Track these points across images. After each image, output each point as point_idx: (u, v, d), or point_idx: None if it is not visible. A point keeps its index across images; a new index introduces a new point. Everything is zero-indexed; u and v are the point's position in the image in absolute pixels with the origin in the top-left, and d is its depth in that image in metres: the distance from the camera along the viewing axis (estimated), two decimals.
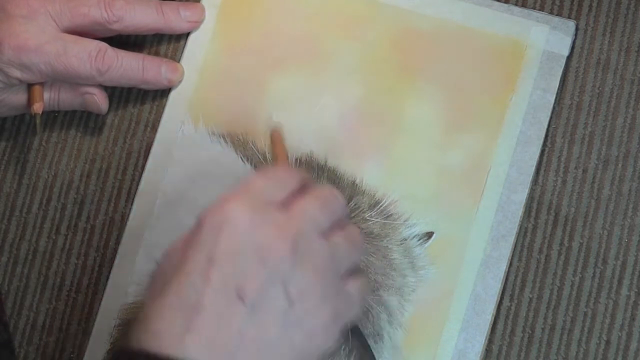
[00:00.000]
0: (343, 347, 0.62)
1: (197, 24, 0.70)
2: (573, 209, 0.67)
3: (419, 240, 0.66)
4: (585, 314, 0.66)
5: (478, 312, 0.65)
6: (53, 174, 0.70)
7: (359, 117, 0.68)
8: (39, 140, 0.70)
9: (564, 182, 0.67)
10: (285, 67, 0.69)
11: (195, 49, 0.70)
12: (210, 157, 0.68)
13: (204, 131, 0.69)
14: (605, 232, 0.66)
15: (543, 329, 0.66)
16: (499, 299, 0.65)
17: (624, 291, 0.66)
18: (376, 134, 0.68)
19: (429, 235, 0.66)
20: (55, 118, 0.70)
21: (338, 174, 0.67)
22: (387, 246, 0.65)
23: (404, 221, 0.66)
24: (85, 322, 0.69)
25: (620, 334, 0.65)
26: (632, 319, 0.65)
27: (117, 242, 0.69)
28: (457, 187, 0.66)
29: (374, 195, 0.66)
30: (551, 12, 0.68)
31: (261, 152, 0.67)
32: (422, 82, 0.68)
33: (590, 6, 0.68)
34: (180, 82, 0.70)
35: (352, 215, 0.65)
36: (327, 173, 0.66)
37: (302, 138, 0.67)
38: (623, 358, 0.65)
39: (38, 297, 0.69)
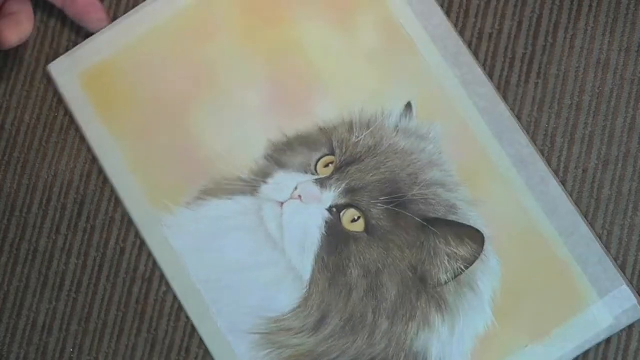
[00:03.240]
0: None
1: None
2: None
3: (406, 117, 0.66)
4: None
5: None
6: (53, 174, 0.70)
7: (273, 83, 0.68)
8: (39, 140, 0.70)
9: (564, 182, 0.67)
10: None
11: None
12: None
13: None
14: (605, 232, 0.66)
15: None
16: None
17: None
18: (295, 87, 0.68)
19: (408, 105, 0.66)
20: (55, 118, 0.70)
21: (301, 139, 0.67)
22: (390, 144, 0.66)
23: (382, 117, 0.66)
24: (86, 322, 0.69)
25: (620, 334, 0.65)
26: None
27: (117, 241, 0.69)
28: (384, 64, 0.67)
29: (343, 122, 0.66)
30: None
31: None
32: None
33: (590, 6, 0.68)
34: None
35: (345, 150, 0.65)
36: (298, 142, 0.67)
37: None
38: (623, 358, 0.65)
39: (38, 297, 0.69)
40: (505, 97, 0.68)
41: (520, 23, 0.68)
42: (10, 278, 0.70)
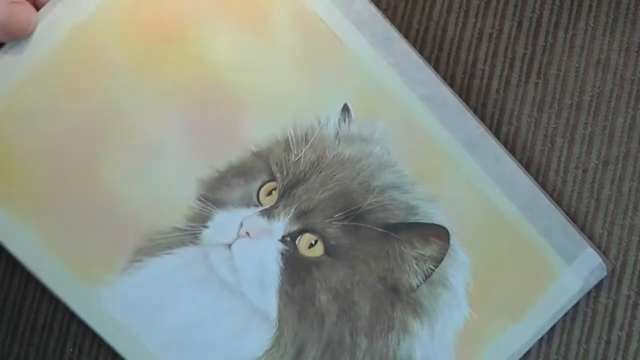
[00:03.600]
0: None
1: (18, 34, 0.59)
2: (573, 209, 0.67)
3: (345, 121, 0.62)
4: (585, 314, 0.66)
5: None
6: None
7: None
8: None
9: (564, 182, 0.67)
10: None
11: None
12: None
13: None
14: (605, 232, 0.66)
15: None
16: None
17: (624, 291, 0.66)
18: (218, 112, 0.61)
19: (344, 108, 0.62)
20: None
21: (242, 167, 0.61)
22: (334, 154, 0.61)
23: (319, 126, 0.62)
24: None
25: (620, 334, 0.65)
26: (632, 318, 0.65)
27: None
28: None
29: (278, 141, 0.61)
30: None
31: None
32: None
33: (590, 6, 0.68)
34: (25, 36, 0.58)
35: (286, 172, 0.61)
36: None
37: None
38: (623, 358, 0.65)
39: (38, 297, 0.69)
40: (505, 97, 0.67)
41: (520, 23, 0.68)
42: (10, 278, 0.70)
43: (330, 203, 0.61)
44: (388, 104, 0.62)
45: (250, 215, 0.61)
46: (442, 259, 0.62)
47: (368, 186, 0.62)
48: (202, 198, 0.61)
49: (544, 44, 0.68)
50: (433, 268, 0.62)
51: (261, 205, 0.61)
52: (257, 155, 0.62)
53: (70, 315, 0.69)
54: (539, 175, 0.67)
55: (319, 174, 0.62)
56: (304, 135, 0.62)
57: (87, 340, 0.68)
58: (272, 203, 0.61)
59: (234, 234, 0.61)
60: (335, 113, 0.62)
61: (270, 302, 0.61)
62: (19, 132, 0.60)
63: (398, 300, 0.62)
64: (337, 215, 0.61)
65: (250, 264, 0.61)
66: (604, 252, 0.66)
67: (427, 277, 0.62)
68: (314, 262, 0.61)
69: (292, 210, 0.61)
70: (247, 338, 0.62)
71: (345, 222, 0.61)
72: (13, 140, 0.60)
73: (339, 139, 0.62)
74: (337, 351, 0.62)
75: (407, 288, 0.62)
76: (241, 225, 0.61)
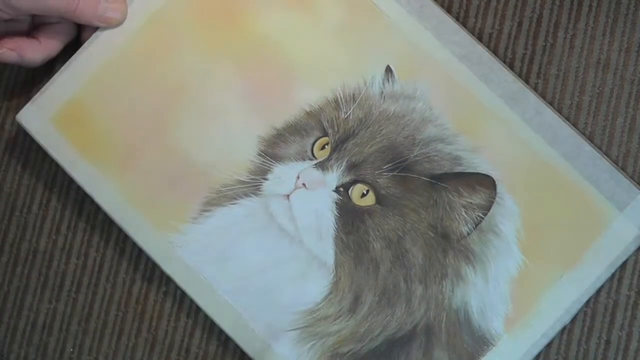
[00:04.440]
0: None
1: (114, 21, 0.67)
2: None
3: (388, 81, 0.66)
4: (585, 314, 0.66)
5: None
6: (53, 173, 0.70)
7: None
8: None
9: None
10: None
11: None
12: None
13: None
14: None
15: None
16: None
17: (624, 291, 0.66)
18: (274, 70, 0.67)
19: (387, 69, 0.66)
20: None
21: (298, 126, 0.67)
22: (380, 111, 0.66)
23: (365, 86, 0.66)
24: (85, 322, 0.69)
25: (620, 334, 0.65)
26: (632, 318, 0.65)
27: (117, 242, 0.69)
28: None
29: (328, 101, 0.66)
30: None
31: None
32: None
33: (590, 6, 0.68)
34: (120, 24, 0.67)
35: (337, 128, 0.65)
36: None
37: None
38: (623, 358, 0.65)
39: (38, 297, 0.69)
40: None
41: (520, 23, 0.68)
42: (10, 278, 0.70)
43: (379, 155, 0.65)
44: (428, 64, 0.66)
45: (306, 168, 0.65)
46: (490, 207, 0.64)
47: (413, 139, 0.65)
48: (262, 153, 0.66)
49: (544, 44, 0.68)
50: (482, 216, 0.64)
51: (315, 158, 0.66)
52: (310, 114, 0.66)
53: (70, 316, 0.69)
54: None
55: (367, 129, 0.66)
56: (351, 94, 0.66)
57: (87, 341, 0.69)
58: (326, 157, 0.66)
59: (292, 185, 0.65)
60: (380, 74, 0.66)
61: (327, 250, 0.65)
62: (109, 100, 0.67)
63: (450, 248, 0.64)
64: (386, 166, 0.65)
65: (307, 213, 0.65)
66: None
67: (476, 225, 0.64)
68: (367, 211, 0.65)
69: (344, 162, 0.65)
70: (307, 284, 0.65)
71: (394, 173, 0.65)
72: (103, 106, 0.67)
73: (384, 97, 0.66)
74: (393, 297, 0.64)
75: (457, 236, 0.64)
76: (298, 177, 0.65)
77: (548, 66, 0.68)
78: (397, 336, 0.64)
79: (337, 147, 0.65)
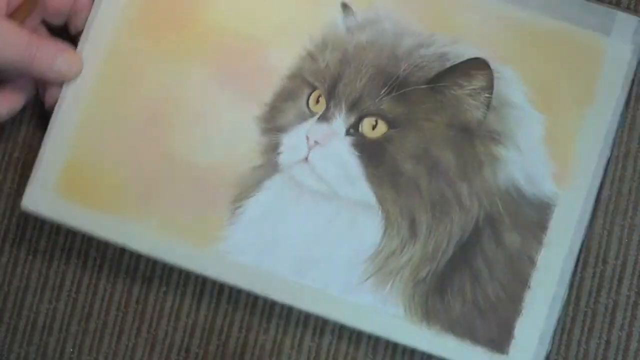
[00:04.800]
0: None
1: (69, 76, 0.67)
2: None
3: (349, 16, 0.67)
4: (585, 314, 0.66)
5: None
6: None
7: None
8: (38, 141, 0.70)
9: None
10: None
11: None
12: None
13: None
14: (605, 232, 0.66)
15: None
16: None
17: (624, 291, 0.66)
18: None
19: (344, 5, 0.67)
20: None
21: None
22: (354, 45, 0.67)
23: (330, 29, 0.67)
24: (85, 322, 0.69)
25: (620, 334, 0.65)
26: (632, 319, 0.65)
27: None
28: None
29: (302, 57, 0.67)
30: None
31: None
32: None
33: None
34: (77, 76, 0.67)
35: (323, 78, 0.66)
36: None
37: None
38: (623, 358, 0.65)
39: (38, 297, 0.69)
40: None
41: None
42: (10, 278, 0.70)
43: (371, 85, 0.66)
44: None
45: (311, 126, 0.66)
46: (492, 84, 0.65)
47: (395, 56, 0.66)
48: (264, 131, 0.66)
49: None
50: (489, 95, 0.65)
51: (315, 113, 0.66)
52: (292, 76, 0.67)
53: (70, 316, 0.69)
54: None
55: (350, 67, 0.66)
56: (321, 42, 0.67)
57: (87, 341, 0.69)
58: (324, 108, 0.66)
59: (305, 147, 0.66)
60: (338, 13, 0.67)
61: (364, 190, 0.65)
62: (101, 147, 0.67)
63: (474, 137, 0.65)
64: (382, 91, 0.65)
65: (331, 166, 0.66)
66: (603, 252, 0.66)
67: (488, 106, 0.65)
68: (384, 139, 0.65)
69: (343, 105, 0.66)
70: (361, 231, 0.65)
71: (393, 94, 0.65)
72: (99, 155, 0.67)
73: (352, 31, 0.67)
74: (445, 206, 0.65)
75: (475, 123, 0.65)
76: (307, 138, 0.66)
77: None
78: (464, 238, 0.65)
79: (330, 94, 0.66)
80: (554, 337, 0.64)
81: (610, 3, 0.67)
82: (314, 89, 0.66)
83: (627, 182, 0.67)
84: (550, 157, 0.65)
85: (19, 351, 0.69)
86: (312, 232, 0.66)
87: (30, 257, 0.70)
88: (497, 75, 0.65)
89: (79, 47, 0.67)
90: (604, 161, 0.65)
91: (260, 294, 0.65)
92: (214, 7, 0.67)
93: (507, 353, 0.64)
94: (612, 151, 0.65)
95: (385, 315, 0.64)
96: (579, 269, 0.66)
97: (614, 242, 0.66)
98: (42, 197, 0.66)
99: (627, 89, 0.65)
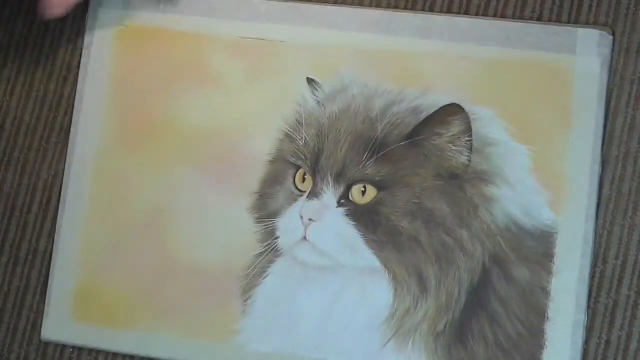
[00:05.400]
0: None
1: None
2: None
3: (317, 89, 0.68)
4: (585, 314, 0.66)
5: None
6: (53, 173, 0.70)
7: None
8: (39, 141, 0.70)
9: None
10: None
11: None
12: None
13: None
14: (605, 232, 0.66)
15: None
16: None
17: (624, 291, 0.66)
18: None
19: (309, 80, 0.68)
20: (55, 118, 0.70)
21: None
22: (328, 117, 0.67)
23: (302, 107, 0.68)
24: None
25: (620, 334, 0.65)
26: (632, 319, 0.65)
27: None
28: None
29: (281, 139, 0.68)
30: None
31: None
32: None
33: (591, 6, 0.68)
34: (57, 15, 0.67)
35: (304, 156, 0.67)
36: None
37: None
38: (623, 358, 0.65)
39: (38, 297, 0.69)
40: None
41: None
42: (10, 278, 0.70)
43: (352, 152, 0.66)
44: (338, 55, 0.68)
45: (302, 205, 0.66)
46: (470, 127, 0.65)
47: (370, 119, 0.66)
48: (259, 220, 0.67)
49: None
50: (469, 138, 0.65)
51: (304, 192, 0.66)
52: (274, 161, 0.67)
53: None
54: None
55: (328, 139, 0.66)
56: (295, 122, 0.67)
57: None
58: (311, 184, 0.66)
59: (301, 227, 0.66)
60: (306, 90, 0.68)
61: (367, 256, 0.65)
62: (108, 267, 0.68)
63: (464, 182, 0.65)
64: (364, 157, 0.66)
65: (330, 239, 0.66)
66: (603, 252, 0.66)
67: (470, 149, 0.65)
68: (376, 203, 0.65)
69: (329, 178, 0.66)
70: (372, 296, 0.66)
71: (375, 157, 0.66)
72: (106, 274, 0.68)
73: (322, 104, 0.67)
74: (449, 256, 0.65)
75: (462, 168, 0.65)
76: (301, 217, 0.66)
77: None
78: (475, 283, 0.65)
79: (314, 170, 0.66)
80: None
81: (569, 22, 0.67)
82: (297, 168, 0.66)
83: (627, 182, 0.67)
84: (542, 186, 0.65)
85: (19, 351, 0.69)
86: (325, 306, 0.66)
87: (30, 257, 0.70)
88: (473, 116, 0.65)
89: (65, 176, 0.69)
90: (596, 179, 0.65)
91: None
92: (188, 110, 0.68)
93: None
94: (602, 168, 0.65)
95: None
96: (593, 294, 0.66)
97: (614, 242, 0.66)
98: (59, 327, 0.68)
99: (603, 102, 0.65)
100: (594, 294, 0.66)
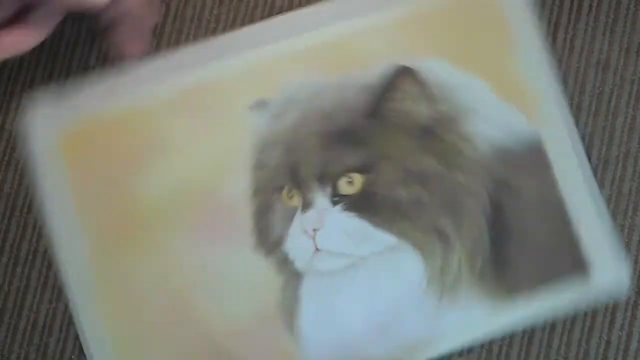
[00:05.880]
0: None
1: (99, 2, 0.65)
2: None
3: (264, 109, 0.67)
4: (586, 314, 0.66)
5: None
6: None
7: None
8: None
9: None
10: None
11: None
12: None
13: None
14: None
15: (543, 329, 0.66)
16: None
17: None
18: None
19: (255, 103, 0.67)
20: None
21: None
22: (284, 126, 0.67)
23: (254, 132, 0.67)
24: None
25: (620, 334, 0.65)
26: (632, 318, 0.66)
27: None
28: None
29: (250, 168, 0.67)
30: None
31: None
32: None
33: (590, 6, 0.68)
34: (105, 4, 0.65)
35: (279, 173, 0.66)
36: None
37: None
38: (623, 358, 0.65)
39: (38, 297, 0.69)
40: None
41: None
42: (10, 278, 0.70)
43: (324, 150, 0.66)
44: (277, 67, 0.67)
45: (300, 220, 0.66)
46: (422, 80, 0.66)
47: (327, 114, 0.66)
48: (267, 253, 0.66)
49: (544, 44, 0.68)
50: (425, 90, 0.66)
51: (297, 207, 0.66)
52: (256, 192, 0.67)
53: (70, 316, 0.69)
54: None
55: (296, 149, 0.66)
56: (258, 148, 0.67)
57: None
58: (300, 197, 0.66)
59: (309, 240, 0.66)
60: (257, 115, 0.67)
61: (382, 239, 0.65)
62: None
63: (438, 132, 0.66)
64: (336, 150, 0.66)
65: (341, 240, 0.65)
66: None
67: (431, 100, 0.66)
68: (367, 186, 0.65)
69: (313, 184, 0.66)
70: (404, 271, 0.65)
71: (347, 146, 0.66)
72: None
73: (278, 119, 0.67)
74: (455, 202, 0.65)
75: (430, 120, 0.66)
76: (305, 232, 0.66)
77: None
78: (490, 215, 0.65)
79: (297, 183, 0.66)
80: (553, 337, 0.64)
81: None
82: (281, 188, 0.66)
83: (627, 182, 0.67)
84: (513, 108, 0.66)
85: (19, 351, 0.69)
86: (367, 303, 0.66)
87: (30, 257, 0.70)
88: (420, 69, 0.66)
89: (66, 289, 0.67)
90: (554, 84, 0.66)
91: None
92: (157, 183, 0.67)
93: (588, 271, 0.64)
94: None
95: (483, 311, 0.65)
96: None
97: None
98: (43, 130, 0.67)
99: (534, 11, 0.66)
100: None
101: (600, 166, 0.67)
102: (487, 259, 0.65)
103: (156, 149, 0.67)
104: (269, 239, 0.66)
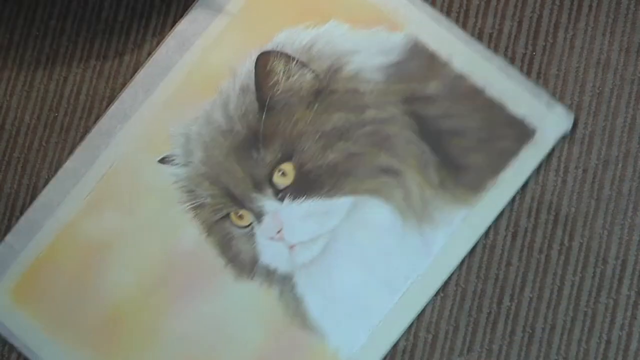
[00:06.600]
0: None
1: None
2: (573, 209, 0.67)
3: (186, 149, 0.69)
4: (585, 314, 0.66)
5: None
6: (53, 173, 0.70)
7: None
8: (39, 140, 0.70)
9: (564, 182, 0.67)
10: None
11: None
12: None
13: None
14: (605, 232, 0.66)
15: (543, 329, 0.66)
16: None
17: (624, 291, 0.66)
18: None
19: (168, 156, 0.68)
20: (55, 118, 0.70)
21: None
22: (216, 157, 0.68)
23: (188, 164, 0.68)
24: None
25: (620, 334, 0.65)
26: (632, 318, 0.66)
27: None
28: None
29: (202, 205, 0.68)
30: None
31: None
32: None
33: (590, 6, 0.68)
34: None
35: (229, 190, 0.68)
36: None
37: None
38: (623, 358, 0.65)
39: None
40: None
41: (520, 23, 0.68)
42: None
43: (245, 162, 0.67)
44: (157, 125, 0.68)
45: (262, 231, 0.67)
46: (286, 54, 0.68)
47: (227, 130, 0.68)
48: (251, 275, 0.67)
49: (544, 44, 0.68)
50: (295, 61, 0.68)
51: (251, 222, 0.67)
52: (209, 232, 0.67)
53: None
54: (539, 175, 0.67)
55: (221, 176, 0.68)
56: (186, 194, 0.68)
57: None
58: (249, 213, 0.67)
59: (281, 244, 0.67)
60: (168, 173, 0.68)
61: (339, 204, 0.67)
62: None
63: (329, 88, 0.68)
64: (254, 154, 0.67)
65: (305, 226, 0.67)
66: (604, 252, 0.66)
67: (306, 65, 0.68)
68: (299, 169, 0.67)
69: (252, 194, 0.67)
70: (375, 221, 0.67)
71: (260, 147, 0.67)
72: None
73: (189, 163, 0.68)
74: (381, 136, 0.67)
75: (317, 82, 0.68)
76: (272, 238, 0.67)
77: (548, 66, 0.68)
78: (417, 129, 0.67)
79: (238, 203, 0.67)
80: (553, 337, 0.64)
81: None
82: (228, 215, 0.67)
83: (627, 182, 0.67)
84: (380, 30, 0.68)
85: (19, 351, 0.69)
86: (359, 266, 0.67)
87: None
88: (278, 47, 0.68)
89: None
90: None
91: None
92: (122, 276, 0.67)
93: (534, 133, 0.67)
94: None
95: (463, 217, 0.66)
96: (578, 269, 0.66)
97: (614, 242, 0.66)
98: None
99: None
100: (593, 294, 0.66)
101: (600, 166, 0.67)
102: (438, 168, 0.66)
103: (104, 250, 0.68)
104: (245, 263, 0.67)
